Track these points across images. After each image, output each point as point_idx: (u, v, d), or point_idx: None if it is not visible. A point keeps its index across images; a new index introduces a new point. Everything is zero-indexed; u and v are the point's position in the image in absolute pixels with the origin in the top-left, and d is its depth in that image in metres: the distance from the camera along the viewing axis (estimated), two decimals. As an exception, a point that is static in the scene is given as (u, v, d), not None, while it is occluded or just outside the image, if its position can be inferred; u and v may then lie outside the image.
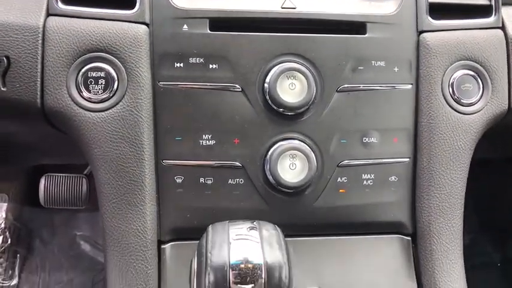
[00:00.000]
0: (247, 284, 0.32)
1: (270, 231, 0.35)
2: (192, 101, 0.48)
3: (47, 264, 1.38)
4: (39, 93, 0.45)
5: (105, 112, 0.46)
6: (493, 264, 1.42)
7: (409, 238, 0.52)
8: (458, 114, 0.52)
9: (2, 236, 1.39)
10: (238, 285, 0.32)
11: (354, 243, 0.51)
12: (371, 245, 0.51)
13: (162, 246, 0.49)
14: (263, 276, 0.32)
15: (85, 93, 0.46)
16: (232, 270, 0.32)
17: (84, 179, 1.32)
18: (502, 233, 1.42)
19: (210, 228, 0.36)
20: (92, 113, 0.46)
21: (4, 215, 1.41)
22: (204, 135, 0.48)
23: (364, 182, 0.51)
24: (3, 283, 1.33)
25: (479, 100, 0.52)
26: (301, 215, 0.49)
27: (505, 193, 1.45)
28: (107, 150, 0.46)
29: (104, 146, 0.46)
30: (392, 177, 0.51)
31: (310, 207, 0.50)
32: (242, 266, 0.32)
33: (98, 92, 0.46)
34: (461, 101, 0.52)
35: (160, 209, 0.48)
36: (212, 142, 0.49)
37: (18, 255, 1.38)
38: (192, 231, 0.48)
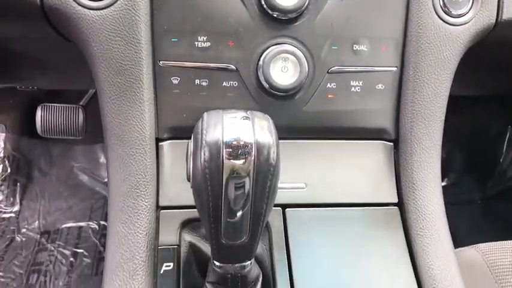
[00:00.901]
0: (238, 159, 0.35)
1: (262, 118, 0.37)
2: (188, 2, 0.49)
3: (46, 193, 1.42)
4: None
5: (103, 10, 0.47)
6: (474, 201, 1.49)
7: (392, 144, 0.55)
8: (446, 25, 0.53)
9: (1, 165, 1.42)
10: (231, 160, 0.35)
11: (340, 146, 0.54)
12: (356, 149, 0.54)
13: (160, 144, 0.51)
14: (253, 153, 0.35)
15: None
16: (226, 146, 0.34)
17: (80, 109, 1.34)
18: (483, 173, 1.48)
19: (205, 113, 0.38)
20: (90, 11, 0.47)
21: (2, 145, 1.44)
22: (199, 37, 0.50)
23: (352, 89, 0.53)
24: (5, 209, 1.38)
25: (468, 12, 0.53)
26: (291, 118, 0.51)
27: (487, 134, 1.49)
28: (106, 49, 0.47)
29: (103, 44, 0.47)
30: (379, 85, 0.53)
31: (300, 111, 0.52)
32: (234, 143, 0.35)
33: None
34: (451, 12, 0.53)
35: (157, 109, 0.51)
36: (207, 44, 0.50)
37: (18, 183, 1.42)
38: (187, 131, 0.51)
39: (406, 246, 0.50)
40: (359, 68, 0.53)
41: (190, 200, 0.49)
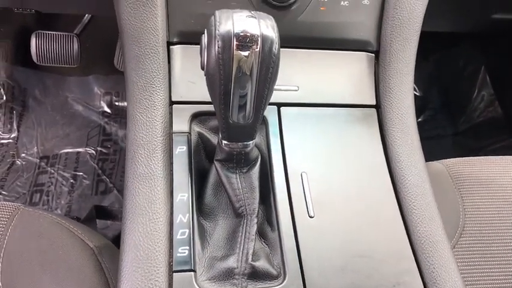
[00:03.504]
0: (246, 49, 0.41)
1: (266, 17, 0.44)
2: None
3: (43, 121, 1.46)
4: None
5: None
6: (447, 136, 1.61)
7: (373, 55, 0.63)
8: None
9: (-3, 92, 1.45)
10: (239, 50, 0.42)
11: (328, 56, 0.62)
12: (342, 58, 0.62)
13: (171, 47, 0.58)
14: (259, 44, 0.40)
15: None
16: (236, 37, 0.40)
17: (75, 38, 1.36)
18: (456, 110, 1.59)
19: (216, 11, 0.44)
20: None
21: (-5, 72, 1.46)
22: None
23: (342, 3, 0.60)
24: (3, 136, 1.43)
25: None
26: (287, 28, 0.57)
27: (462, 73, 1.59)
28: None
29: None
30: (365, 1, 0.61)
31: (295, 21, 0.59)
32: (243, 34, 0.40)
33: None
34: None
35: (168, 15, 0.57)
36: None
37: (14, 111, 1.45)
38: (195, 36, 0.57)
39: (380, 139, 0.59)
40: None
41: (198, 96, 0.57)
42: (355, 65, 0.62)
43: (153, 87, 0.55)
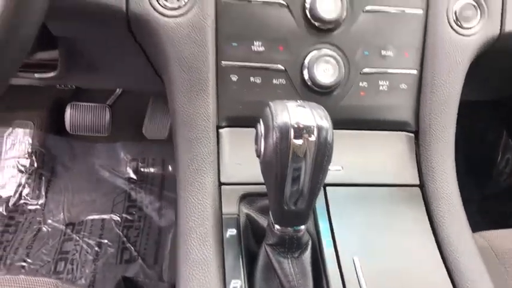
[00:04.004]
0: (303, 139, 0.42)
1: (318, 107, 0.46)
2: (247, 13, 0.58)
3: (70, 187, 1.49)
4: (124, 0, 0.55)
5: (179, 18, 0.56)
6: (473, 201, 1.59)
7: (413, 135, 0.65)
8: (459, 35, 0.63)
9: (29, 160, 1.50)
10: (296, 140, 0.44)
11: (369, 136, 0.63)
12: (383, 139, 0.64)
13: (219, 130, 0.60)
14: (315, 134, 0.43)
15: (163, 2, 0.56)
16: (293, 128, 0.42)
17: (107, 108, 1.42)
18: (481, 175, 1.58)
19: (270, 103, 0.47)
20: (168, 18, 0.56)
21: (30, 141, 1.52)
22: (255, 42, 0.59)
23: (380, 88, 0.63)
24: (31, 202, 1.45)
25: (476, 25, 0.64)
26: (329, 111, 0.60)
27: (484, 138, 1.60)
28: (180, 50, 0.57)
29: (177, 46, 0.56)
30: (403, 85, 0.63)
31: (337, 105, 0.62)
32: (300, 125, 0.42)
33: (172, 1, 0.56)
34: (462, 25, 0.63)
35: (218, 101, 0.60)
36: (262, 48, 0.59)
37: (43, 177, 1.49)
38: (242, 120, 0.60)
39: (427, 219, 0.59)
40: (386, 70, 0.63)
41: (245, 177, 0.58)
42: (396, 145, 0.64)
43: (204, 170, 0.57)
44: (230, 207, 0.56)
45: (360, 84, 0.62)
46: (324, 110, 0.46)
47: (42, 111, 1.54)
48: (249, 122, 0.60)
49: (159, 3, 0.56)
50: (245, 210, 0.57)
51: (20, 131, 1.55)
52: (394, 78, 0.63)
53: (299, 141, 0.43)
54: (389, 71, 0.63)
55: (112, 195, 1.49)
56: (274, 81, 0.60)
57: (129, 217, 1.43)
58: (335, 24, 0.60)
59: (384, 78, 0.63)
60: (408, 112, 0.64)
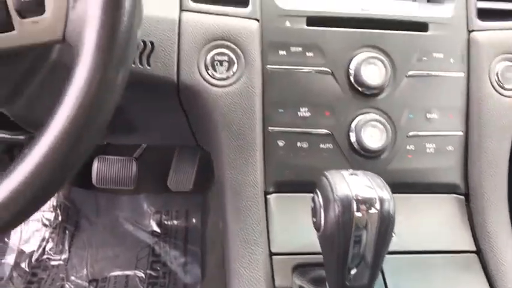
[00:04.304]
0: (365, 211, 0.42)
1: (377, 177, 0.46)
2: (293, 80, 0.60)
3: (93, 241, 1.47)
4: (175, 71, 0.57)
5: (228, 88, 0.58)
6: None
7: (463, 197, 0.63)
8: (502, 97, 0.63)
9: (54, 213, 1.50)
10: (357, 212, 0.43)
11: (419, 200, 0.62)
12: (432, 202, 0.62)
13: (268, 196, 0.59)
14: (377, 206, 0.42)
15: (212, 73, 0.58)
16: (355, 201, 0.42)
17: (134, 161, 1.44)
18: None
19: (326, 173, 0.47)
20: (217, 88, 0.58)
21: (56, 194, 1.53)
22: (301, 108, 0.60)
23: (427, 150, 0.62)
24: (54, 257, 1.44)
25: None
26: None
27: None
28: (229, 118, 0.57)
29: (227, 114, 0.57)
30: (449, 147, 0.63)
31: (384, 169, 0.61)
32: (360, 198, 0.42)
33: (222, 72, 0.58)
34: (504, 86, 0.64)
35: (265, 167, 0.60)
36: (308, 114, 0.60)
37: (67, 231, 1.48)
38: (290, 185, 0.60)
39: None
40: (432, 133, 0.62)
41: (296, 247, 0.57)
42: (447, 209, 0.62)
43: (255, 240, 0.55)
44: (283, 280, 0.54)
45: (407, 147, 0.62)
46: (382, 179, 0.45)
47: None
48: (296, 187, 0.60)
49: (208, 74, 0.57)
50: (298, 282, 0.55)
51: (46, 185, 1.55)
52: (441, 140, 0.63)
53: (361, 214, 0.43)
54: (435, 133, 0.62)
55: (136, 250, 1.47)
56: (321, 145, 0.60)
57: (153, 273, 1.40)
58: (379, 89, 0.61)
59: (430, 141, 0.62)
60: (457, 174, 0.63)
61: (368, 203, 0.43)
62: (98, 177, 1.42)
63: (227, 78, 0.58)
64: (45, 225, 1.49)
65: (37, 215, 1.50)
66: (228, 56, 0.57)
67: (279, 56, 0.59)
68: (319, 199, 0.46)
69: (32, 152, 0.34)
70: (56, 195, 1.52)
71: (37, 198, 0.35)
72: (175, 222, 1.53)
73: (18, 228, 1.45)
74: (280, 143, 0.60)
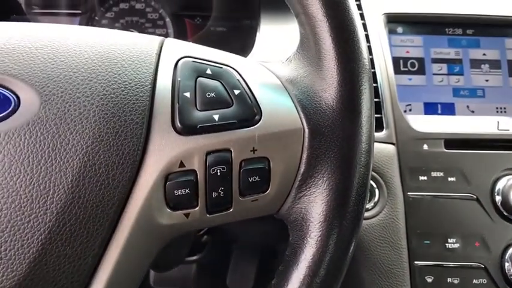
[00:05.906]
0: None
1: None
2: (437, 209, 0.56)
3: None
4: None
5: (371, 220, 0.54)
6: None
7: None
8: None
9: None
10: None
11: None
12: None
13: None
14: None
15: None
16: None
17: (193, 263, 1.37)
18: None
19: None
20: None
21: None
22: (449, 239, 0.55)
23: None
24: None
25: None
26: None
27: None
28: (374, 254, 0.53)
29: (372, 249, 0.53)
30: None
31: None
32: None
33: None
34: None
35: None
36: (457, 245, 0.55)
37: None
38: None
39: None
40: None
41: None
42: None
43: None
44: None
45: None
46: None
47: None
48: None
49: None
50: None
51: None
52: None
53: None
54: None
55: None
56: (474, 281, 0.54)
57: None
58: None
59: None
60: None
61: None
62: (156, 277, 1.36)
63: (369, 209, 0.54)
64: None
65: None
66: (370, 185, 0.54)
67: (419, 182, 0.56)
68: None
69: None
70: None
71: None
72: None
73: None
74: (429, 279, 0.54)
